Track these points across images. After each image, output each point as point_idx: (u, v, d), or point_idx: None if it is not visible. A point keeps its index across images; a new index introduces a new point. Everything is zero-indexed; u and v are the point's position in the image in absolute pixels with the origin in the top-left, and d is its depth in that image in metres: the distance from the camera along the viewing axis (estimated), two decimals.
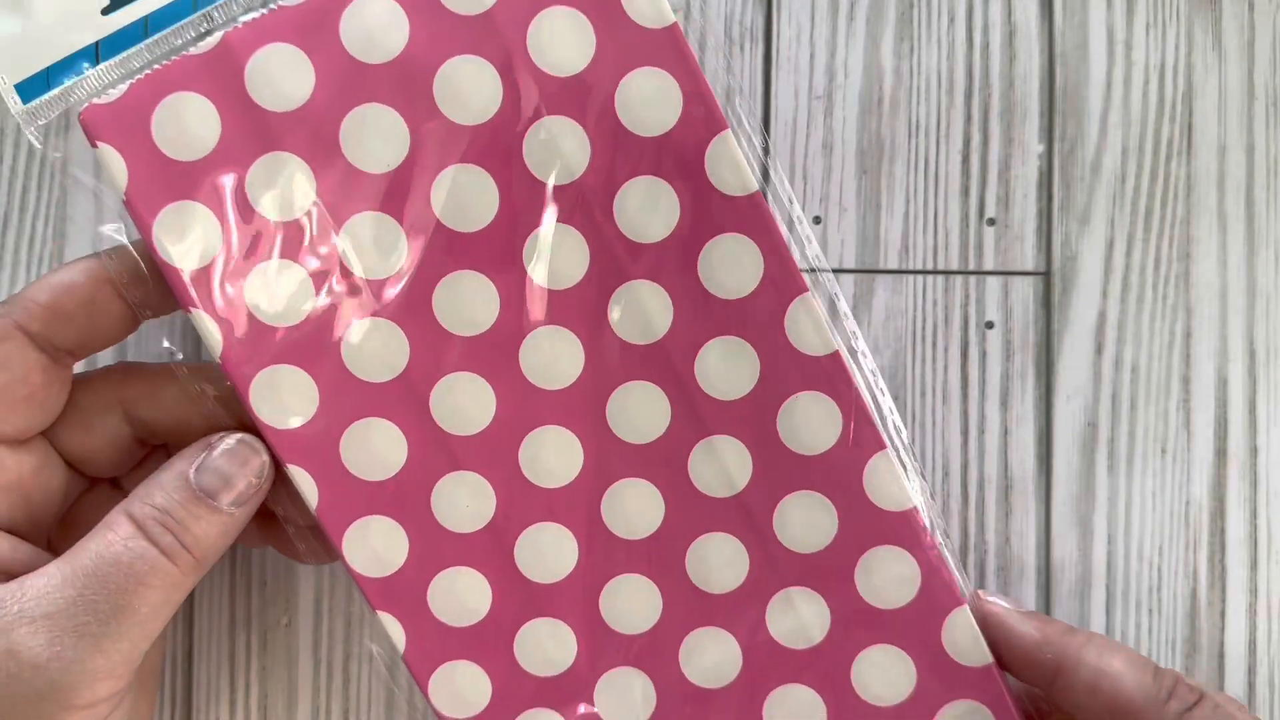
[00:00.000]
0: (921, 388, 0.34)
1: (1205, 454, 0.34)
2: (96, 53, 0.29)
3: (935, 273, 0.34)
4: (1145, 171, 0.34)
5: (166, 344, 0.31)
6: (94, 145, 0.28)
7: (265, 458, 0.29)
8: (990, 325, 0.34)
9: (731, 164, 0.28)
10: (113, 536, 0.27)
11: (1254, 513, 0.34)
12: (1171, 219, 0.34)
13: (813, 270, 0.31)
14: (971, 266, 0.34)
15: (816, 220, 0.34)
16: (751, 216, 0.29)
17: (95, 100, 0.28)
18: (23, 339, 0.28)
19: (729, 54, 0.34)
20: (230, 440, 0.28)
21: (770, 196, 0.29)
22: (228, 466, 0.28)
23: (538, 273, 0.29)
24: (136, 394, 0.30)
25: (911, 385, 0.34)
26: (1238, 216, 0.34)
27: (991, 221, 0.34)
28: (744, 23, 0.34)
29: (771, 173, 0.31)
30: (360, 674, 0.34)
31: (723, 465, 0.30)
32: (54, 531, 0.31)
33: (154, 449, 0.32)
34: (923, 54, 0.34)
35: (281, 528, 0.31)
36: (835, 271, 0.34)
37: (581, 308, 0.30)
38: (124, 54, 0.29)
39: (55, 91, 0.29)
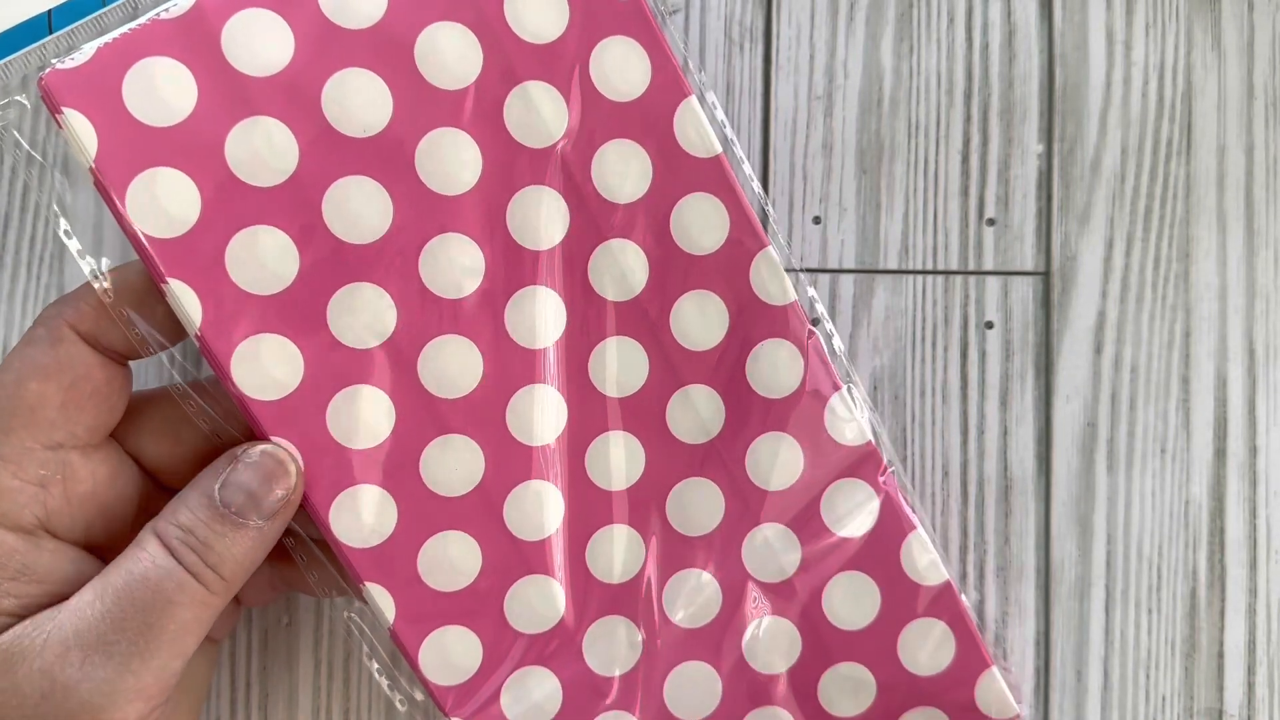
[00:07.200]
0: (921, 388, 0.34)
1: (1205, 454, 0.34)
2: (49, 22, 0.27)
3: (935, 273, 0.34)
4: (1145, 171, 0.34)
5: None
6: (57, 112, 0.27)
7: (293, 471, 0.28)
8: (990, 325, 0.34)
9: (697, 127, 0.30)
10: (142, 555, 0.27)
11: (1253, 512, 0.34)
12: (1171, 219, 0.34)
13: (794, 269, 0.32)
14: (971, 266, 0.34)
15: (816, 220, 0.34)
16: (716, 177, 0.31)
17: (57, 65, 0.27)
18: (76, 338, 0.28)
19: (729, 54, 0.34)
20: (255, 452, 0.28)
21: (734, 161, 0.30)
22: (253, 481, 0.28)
23: (521, 234, 0.30)
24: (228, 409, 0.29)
25: (911, 385, 0.34)
26: (1237, 216, 0.34)
27: (991, 221, 0.34)
28: (744, 23, 0.34)
29: (727, 134, 0.33)
30: (360, 674, 0.34)
31: (697, 413, 0.31)
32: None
33: None
34: (923, 54, 0.34)
35: (293, 563, 0.31)
36: (835, 272, 0.34)
37: (563, 267, 0.30)
38: (76, 23, 0.27)
39: None
